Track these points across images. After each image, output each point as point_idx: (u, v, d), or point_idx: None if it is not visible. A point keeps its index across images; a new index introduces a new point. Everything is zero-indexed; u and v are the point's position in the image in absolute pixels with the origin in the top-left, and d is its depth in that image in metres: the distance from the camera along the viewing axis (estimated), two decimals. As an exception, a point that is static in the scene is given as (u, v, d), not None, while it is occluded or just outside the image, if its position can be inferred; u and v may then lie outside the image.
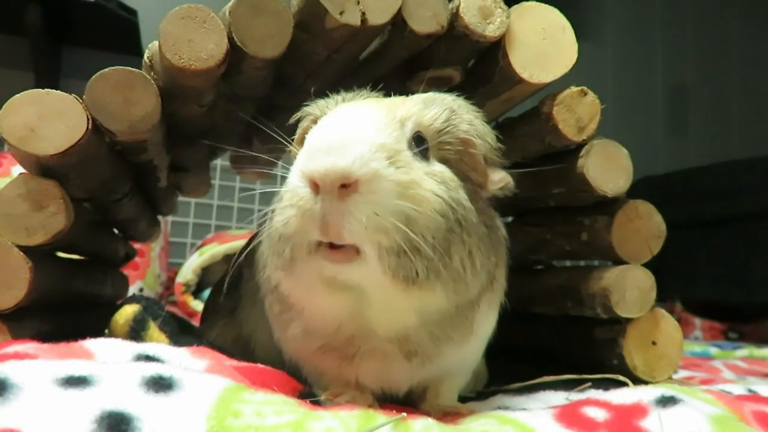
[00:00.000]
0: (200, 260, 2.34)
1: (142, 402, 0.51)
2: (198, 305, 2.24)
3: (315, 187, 0.60)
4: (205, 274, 2.34)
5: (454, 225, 0.64)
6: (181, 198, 1.52)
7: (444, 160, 0.70)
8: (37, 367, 0.55)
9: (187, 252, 2.78)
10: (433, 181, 0.65)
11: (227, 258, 2.27)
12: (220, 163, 2.77)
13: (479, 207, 0.71)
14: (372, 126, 0.64)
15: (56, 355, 0.65)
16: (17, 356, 0.62)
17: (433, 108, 0.71)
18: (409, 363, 0.71)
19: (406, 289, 0.62)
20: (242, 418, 0.52)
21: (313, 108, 0.77)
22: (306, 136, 0.69)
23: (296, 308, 0.72)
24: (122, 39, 2.47)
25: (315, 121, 0.74)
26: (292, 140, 0.78)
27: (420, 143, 0.68)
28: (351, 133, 0.62)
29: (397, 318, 0.68)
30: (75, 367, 0.55)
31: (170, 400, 0.52)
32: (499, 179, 0.74)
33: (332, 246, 0.61)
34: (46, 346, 0.67)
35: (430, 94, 0.74)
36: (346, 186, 0.59)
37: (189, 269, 2.33)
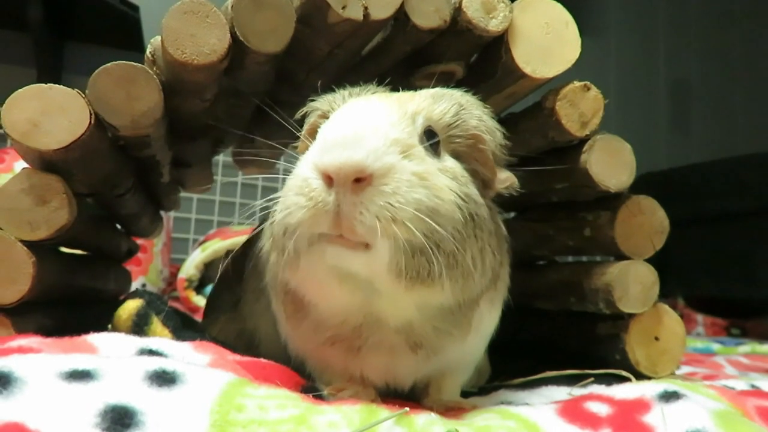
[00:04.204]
0: (202, 256, 2.34)
1: (146, 396, 0.52)
2: (200, 301, 2.24)
3: (329, 180, 0.59)
4: (207, 269, 2.34)
5: (468, 219, 0.65)
6: (183, 194, 1.52)
7: (455, 154, 0.71)
8: (40, 361, 0.55)
9: (190, 248, 2.78)
10: (446, 177, 0.65)
11: (230, 253, 2.27)
12: (222, 158, 2.76)
13: (487, 204, 0.71)
14: (385, 120, 0.64)
15: (60, 349, 0.65)
16: (21, 350, 0.62)
17: (442, 103, 0.71)
18: (415, 355, 0.71)
19: (409, 287, 0.62)
20: (245, 413, 0.52)
21: (321, 102, 0.77)
22: (314, 130, 0.69)
23: (308, 305, 0.72)
24: (124, 34, 2.47)
25: (323, 116, 0.74)
26: (297, 136, 0.78)
27: (431, 138, 0.68)
28: (365, 127, 0.62)
29: (400, 311, 0.68)
30: (79, 361, 0.55)
31: (173, 395, 0.53)
32: (505, 178, 0.74)
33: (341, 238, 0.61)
34: (49, 340, 0.67)
35: (438, 89, 0.74)
36: (360, 180, 0.59)
37: (191, 265, 2.34)
